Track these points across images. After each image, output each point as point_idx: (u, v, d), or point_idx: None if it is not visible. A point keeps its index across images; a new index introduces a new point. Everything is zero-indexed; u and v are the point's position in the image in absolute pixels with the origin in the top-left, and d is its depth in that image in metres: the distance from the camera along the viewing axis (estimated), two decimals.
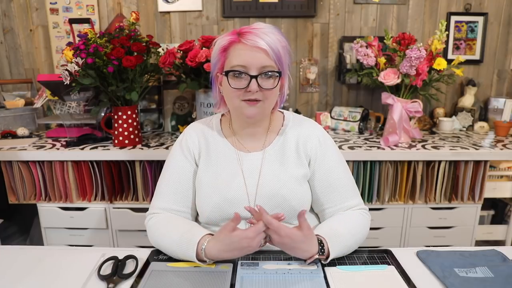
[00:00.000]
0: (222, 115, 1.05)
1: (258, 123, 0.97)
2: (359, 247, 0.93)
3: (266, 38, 0.86)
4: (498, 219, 1.93)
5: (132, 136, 1.72)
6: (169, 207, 0.97)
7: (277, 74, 0.89)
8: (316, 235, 0.85)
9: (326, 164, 0.97)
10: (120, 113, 1.69)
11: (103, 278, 0.79)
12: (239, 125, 0.99)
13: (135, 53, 1.60)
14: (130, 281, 0.79)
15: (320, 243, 0.83)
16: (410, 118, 1.81)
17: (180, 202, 0.97)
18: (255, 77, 0.86)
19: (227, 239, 0.78)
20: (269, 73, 0.87)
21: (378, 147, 1.70)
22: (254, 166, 0.96)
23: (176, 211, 0.97)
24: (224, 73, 0.90)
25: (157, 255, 0.90)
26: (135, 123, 1.72)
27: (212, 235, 0.85)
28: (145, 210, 1.68)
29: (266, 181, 0.94)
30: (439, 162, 1.66)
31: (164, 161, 1.04)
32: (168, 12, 2.15)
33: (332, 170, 0.97)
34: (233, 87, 0.88)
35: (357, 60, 1.95)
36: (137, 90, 1.64)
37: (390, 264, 0.84)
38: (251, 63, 0.86)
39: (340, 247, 0.86)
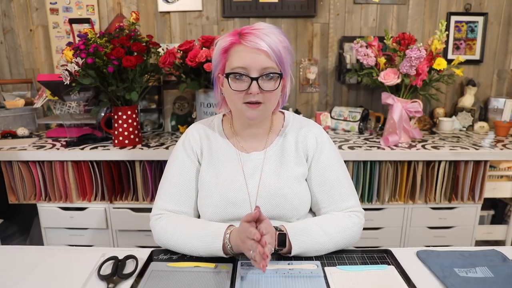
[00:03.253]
0: (224, 115, 1.05)
1: (259, 124, 0.98)
2: (359, 247, 0.93)
3: (267, 39, 0.85)
4: (498, 219, 1.93)
5: (132, 136, 1.72)
6: (173, 208, 0.96)
7: (278, 76, 0.88)
8: (279, 228, 0.85)
9: (322, 162, 0.97)
10: (120, 113, 1.69)
11: (103, 278, 0.79)
12: (241, 126, 0.99)
13: (135, 53, 1.60)
14: (130, 281, 0.79)
15: (282, 234, 0.83)
16: (410, 118, 1.81)
17: (184, 203, 0.97)
18: (256, 79, 0.86)
19: (240, 226, 0.80)
20: (270, 74, 0.87)
21: (378, 147, 1.70)
22: (255, 166, 0.96)
23: (180, 212, 0.96)
24: (224, 75, 0.90)
25: (157, 255, 0.89)
26: (135, 123, 1.72)
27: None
28: (145, 210, 1.70)
29: (267, 181, 0.94)
30: (439, 162, 1.66)
31: (164, 161, 1.03)
32: (168, 12, 2.15)
33: (327, 168, 0.97)
34: (234, 89, 0.88)
35: (357, 60, 1.95)
36: (137, 90, 1.64)
37: (390, 264, 0.84)
38: (251, 65, 0.86)
39: (306, 241, 0.85)
